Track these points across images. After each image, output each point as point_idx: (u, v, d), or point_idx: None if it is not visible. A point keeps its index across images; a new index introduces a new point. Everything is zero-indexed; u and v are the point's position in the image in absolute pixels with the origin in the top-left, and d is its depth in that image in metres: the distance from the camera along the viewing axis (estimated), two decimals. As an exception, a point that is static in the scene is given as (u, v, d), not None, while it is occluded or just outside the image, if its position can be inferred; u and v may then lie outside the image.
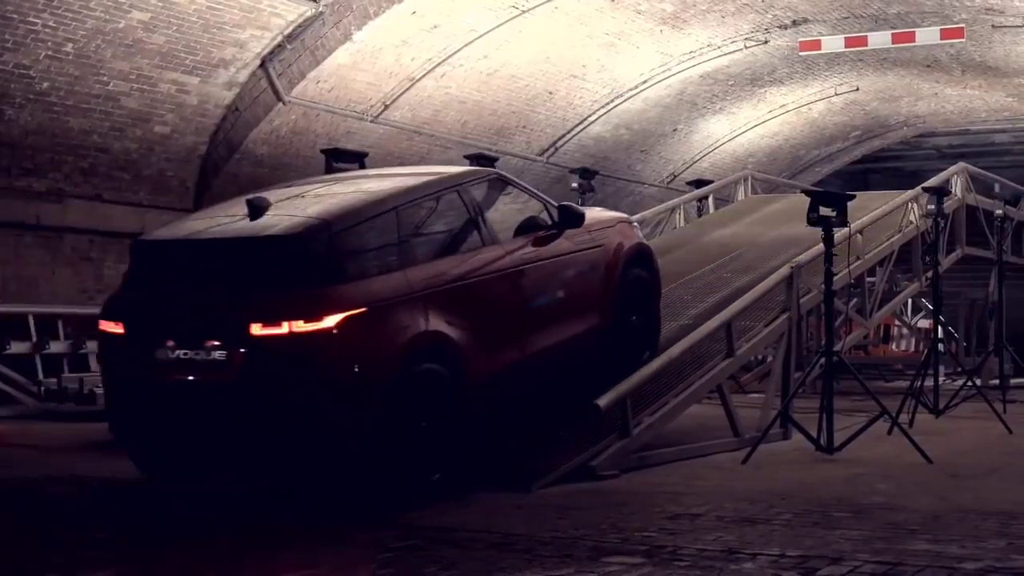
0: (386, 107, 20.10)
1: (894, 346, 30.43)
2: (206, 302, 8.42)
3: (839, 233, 11.65)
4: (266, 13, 16.75)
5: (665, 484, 9.42)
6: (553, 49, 21.12)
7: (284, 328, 7.99)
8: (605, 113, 24.28)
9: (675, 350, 10.97)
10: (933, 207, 14.90)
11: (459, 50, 19.68)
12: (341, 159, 14.61)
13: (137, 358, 8.49)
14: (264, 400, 8.04)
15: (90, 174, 16.97)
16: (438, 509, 8.06)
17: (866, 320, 15.76)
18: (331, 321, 8.03)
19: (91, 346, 16.56)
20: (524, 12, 19.27)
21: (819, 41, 22.00)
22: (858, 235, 14.35)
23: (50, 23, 14.92)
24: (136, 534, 7.23)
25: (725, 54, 22.92)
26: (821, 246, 11.37)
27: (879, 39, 21.76)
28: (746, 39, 22.45)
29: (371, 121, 20.09)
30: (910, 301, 25.12)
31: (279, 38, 17.42)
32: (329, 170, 14.21)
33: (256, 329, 8.03)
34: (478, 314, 9.13)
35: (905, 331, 29.51)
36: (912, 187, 17.13)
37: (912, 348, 29.68)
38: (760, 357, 18.23)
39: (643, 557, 6.47)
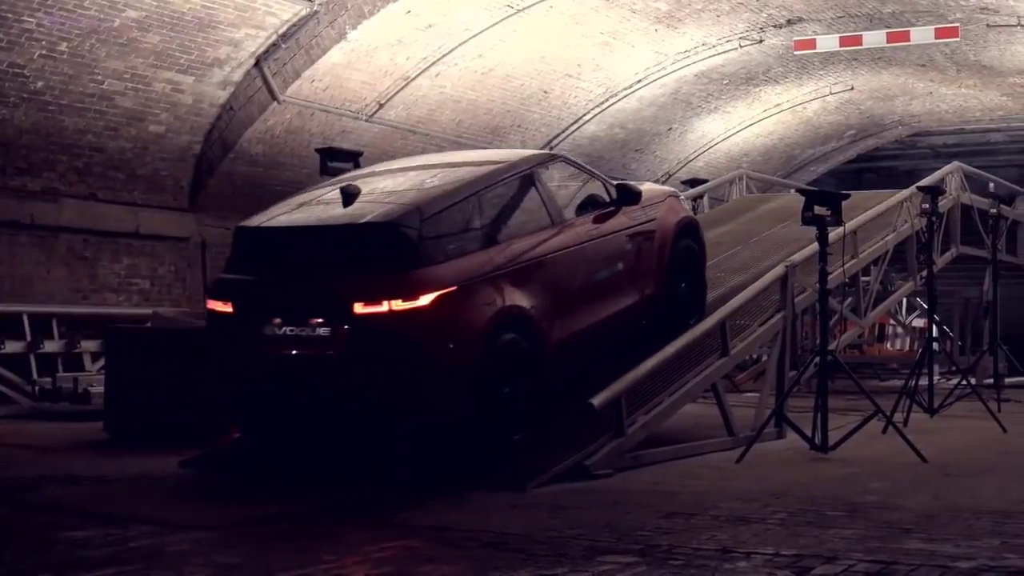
0: (381, 106, 20.10)
1: (889, 345, 30.46)
2: (310, 283, 9.20)
3: (833, 232, 11.67)
4: (261, 12, 16.75)
5: (659, 483, 9.41)
6: (548, 48, 21.12)
7: (384, 306, 8.84)
8: (600, 112, 24.28)
9: (670, 349, 10.95)
10: (928, 206, 14.90)
11: (454, 49, 19.68)
12: (336, 158, 14.60)
13: (245, 334, 9.28)
14: (366, 371, 8.88)
15: (84, 173, 16.96)
16: (433, 508, 8.07)
17: (861, 319, 15.78)
18: (426, 299, 8.89)
19: (85, 345, 16.57)
20: (519, 11, 19.27)
21: (814, 40, 22.01)
22: (853, 234, 14.35)
23: (44, 22, 14.91)
24: (131, 533, 7.22)
25: (720, 53, 22.93)
26: (815, 245, 11.38)
27: (874, 38, 21.79)
28: (741, 38, 22.47)
29: (366, 120, 20.09)
30: (905, 300, 25.14)
31: (274, 37, 17.41)
32: (324, 170, 14.23)
33: (358, 308, 8.86)
34: (550, 288, 10.01)
35: (900, 330, 29.54)
36: (907, 186, 17.15)
37: (907, 347, 29.70)
38: (755, 356, 18.24)
39: (637, 556, 6.46)
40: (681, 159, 27.77)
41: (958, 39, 21.62)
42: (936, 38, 21.64)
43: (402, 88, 20.01)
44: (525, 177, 10.36)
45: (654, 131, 26.36)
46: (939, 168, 19.27)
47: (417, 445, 9.25)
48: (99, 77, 16.09)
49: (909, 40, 21.79)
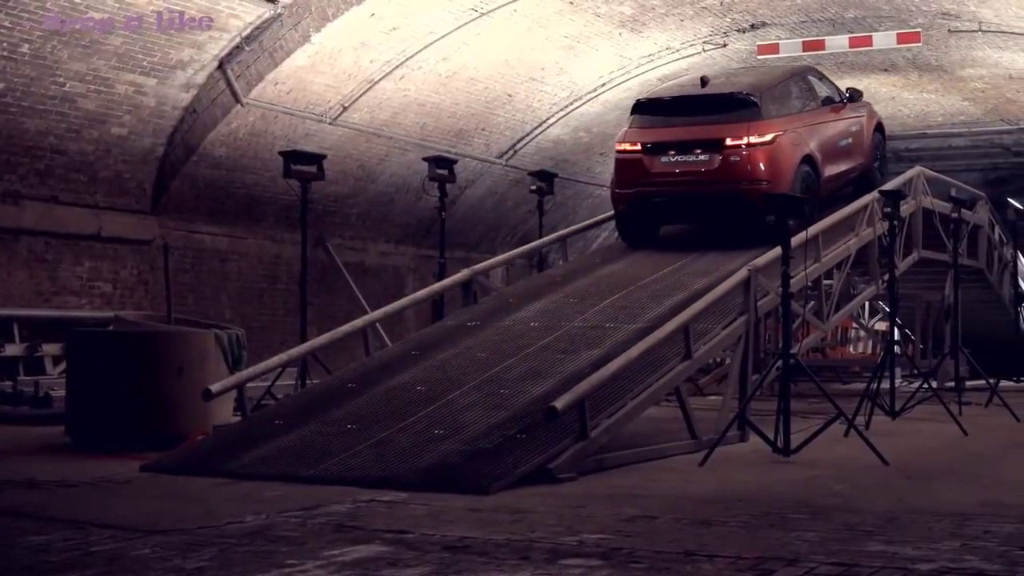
0: (345, 109, 20.08)
1: (851, 348, 30.61)
2: (693, 129, 15.31)
3: (796, 236, 11.71)
4: (224, 14, 16.70)
5: (623, 486, 9.42)
6: (512, 52, 21.14)
7: (744, 140, 14.99)
8: (564, 116, 24.33)
9: (633, 352, 10.97)
10: (890, 210, 14.98)
11: (418, 52, 19.68)
12: (299, 161, 14.58)
13: (648, 163, 15.40)
14: (730, 179, 14.98)
15: (46, 176, 16.86)
16: (394, 511, 8.06)
17: (823, 323, 15.81)
18: (769, 137, 15.10)
19: (47, 349, 16.47)
20: (483, 15, 19.29)
21: (777, 45, 22.12)
22: (816, 238, 14.40)
23: (5, 23, 14.83)
24: (92, 538, 7.18)
25: (684, 57, 23.00)
26: (778, 249, 11.41)
27: (836, 43, 21.94)
28: (704, 42, 22.55)
29: (330, 123, 20.06)
30: (867, 304, 25.26)
31: (237, 39, 17.37)
32: (287, 173, 14.30)
33: (728, 141, 15.01)
34: (820, 144, 16.16)
35: (862, 333, 29.70)
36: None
37: (869, 350, 29.87)
38: (718, 359, 18.28)
39: (600, 559, 6.47)
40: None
41: (920, 44, 21.76)
42: (898, 43, 21.79)
43: (366, 91, 19.99)
44: (803, 76, 16.93)
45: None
46: (901, 172, 19.35)
47: (754, 224, 14.49)
48: (61, 79, 16.01)
49: (871, 45, 21.94)
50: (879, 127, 18.52)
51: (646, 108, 15.91)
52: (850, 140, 17.21)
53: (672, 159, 15.21)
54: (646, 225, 16.25)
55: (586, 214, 25.74)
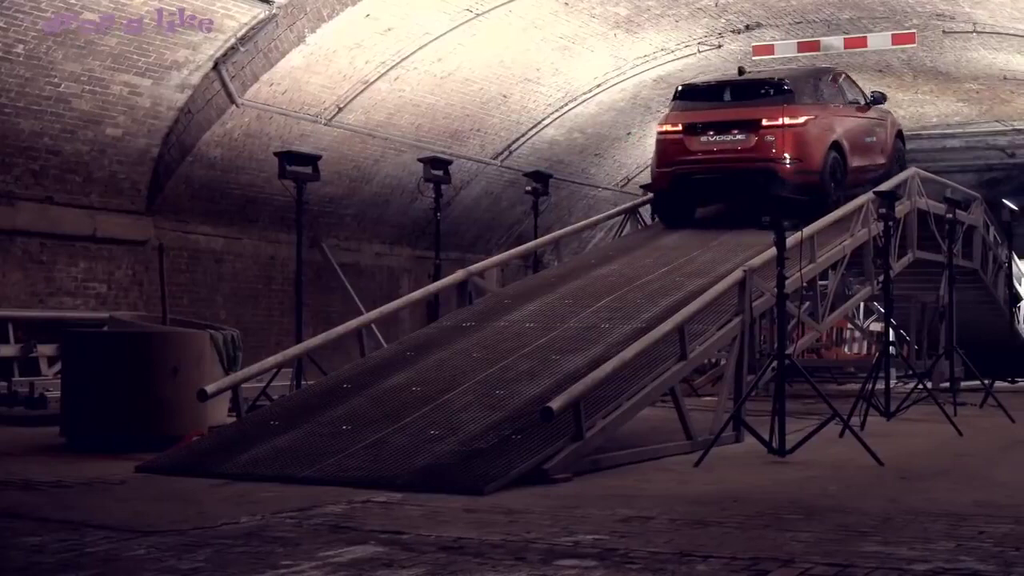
0: (340, 110, 20.07)
1: (846, 349, 30.60)
2: (731, 110, 16.71)
3: (791, 237, 11.70)
4: (219, 15, 16.69)
5: (618, 487, 9.42)
6: (507, 53, 21.14)
7: (780, 121, 16.34)
8: (559, 117, 24.33)
9: (628, 353, 10.96)
10: (885, 211, 14.98)
11: (413, 53, 19.68)
12: (294, 162, 14.58)
13: (688, 143, 16.75)
14: (766, 156, 16.29)
15: (41, 176, 16.84)
16: (389, 512, 8.05)
17: (818, 323, 15.81)
18: (802, 119, 16.53)
19: (42, 349, 16.45)
20: (478, 15, 19.29)
21: (772, 46, 22.14)
22: (811, 239, 14.39)
23: (1, 24, 14.81)
24: (87, 539, 7.17)
25: (679, 58, 23.01)
26: (773, 250, 11.42)
27: (831, 43, 21.97)
28: (700, 43, 22.56)
29: (325, 124, 20.06)
30: (862, 304, 25.25)
31: (232, 40, 17.37)
32: (282, 174, 14.28)
33: (765, 122, 16.39)
34: (847, 136, 17.42)
35: (857, 334, 29.70)
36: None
37: (864, 351, 29.86)
38: (713, 360, 18.28)
39: (595, 560, 6.47)
40: (640, 164, 27.83)
41: (915, 45, 21.79)
42: (893, 44, 21.83)
43: (361, 92, 19.99)
44: (832, 75, 18.16)
45: (613, 136, 26.42)
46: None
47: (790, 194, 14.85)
48: (56, 79, 15.99)
49: (866, 46, 21.97)
50: (899, 135, 20.05)
51: (687, 94, 17.40)
52: (874, 139, 18.64)
53: (711, 138, 16.61)
54: (683, 203, 17.40)
55: (581, 215, 25.80)
